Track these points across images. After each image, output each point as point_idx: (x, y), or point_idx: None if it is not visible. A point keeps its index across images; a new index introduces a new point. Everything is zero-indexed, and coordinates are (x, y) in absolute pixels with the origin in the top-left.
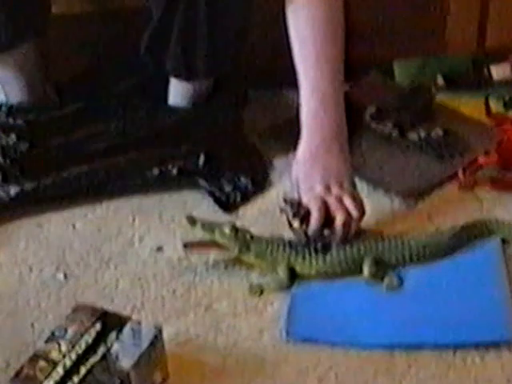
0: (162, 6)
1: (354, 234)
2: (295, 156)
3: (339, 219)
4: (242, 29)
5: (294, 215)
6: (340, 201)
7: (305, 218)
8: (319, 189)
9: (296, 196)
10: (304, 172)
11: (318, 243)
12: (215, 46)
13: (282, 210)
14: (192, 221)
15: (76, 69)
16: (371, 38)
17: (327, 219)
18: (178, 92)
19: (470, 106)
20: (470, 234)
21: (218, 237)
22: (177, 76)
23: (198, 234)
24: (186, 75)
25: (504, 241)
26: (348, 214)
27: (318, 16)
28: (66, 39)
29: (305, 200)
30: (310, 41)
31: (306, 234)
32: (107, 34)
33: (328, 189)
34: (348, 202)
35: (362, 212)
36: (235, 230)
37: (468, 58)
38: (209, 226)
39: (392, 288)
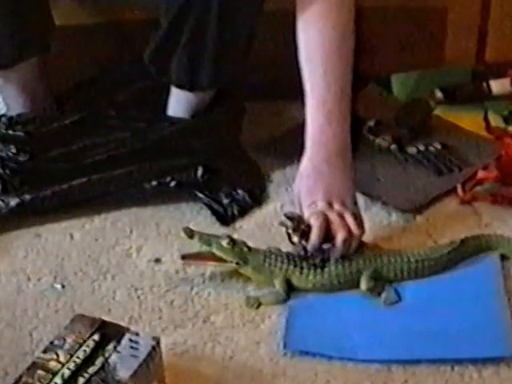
0: (172, 15)
1: (353, 251)
2: (298, 169)
3: (340, 237)
4: (248, 40)
5: (294, 230)
6: (341, 218)
7: (305, 233)
8: (321, 204)
9: (297, 210)
10: (307, 186)
11: (317, 258)
12: (222, 58)
13: (282, 224)
14: (189, 233)
15: (75, 80)
16: (370, 51)
17: (327, 235)
18: (178, 103)
19: (468, 120)
20: (469, 249)
21: (215, 249)
22: (180, 86)
23: (196, 246)
24: (190, 85)
25: (503, 256)
26: (349, 231)
27: (328, 32)
28: (65, 51)
29: (306, 215)
30: (319, 56)
31: (305, 248)
32: (106, 45)
33: (330, 205)
34: (349, 220)
35: (362, 230)
36: (232, 242)
37: (467, 71)
38: (206, 239)
39: (390, 302)
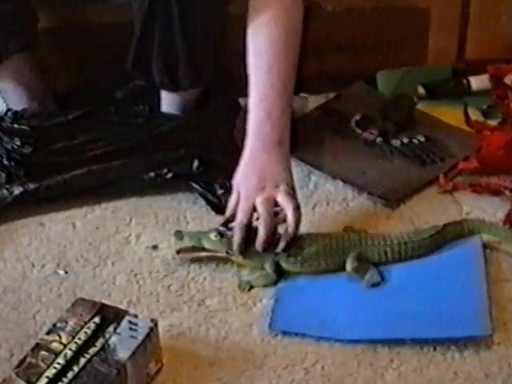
0: (141, 21)
1: (296, 225)
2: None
3: (261, 228)
4: (218, 40)
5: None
6: (271, 202)
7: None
8: (254, 189)
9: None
10: (243, 172)
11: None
12: (194, 59)
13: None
14: (179, 236)
15: (74, 79)
16: (357, 50)
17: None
18: (168, 102)
19: (449, 114)
20: (451, 233)
21: (205, 244)
22: (164, 88)
23: (187, 244)
24: (172, 87)
25: (484, 245)
26: (275, 214)
27: (278, 33)
28: (64, 50)
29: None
30: (266, 54)
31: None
32: (103, 45)
33: (263, 189)
34: (282, 200)
35: (297, 208)
36: (220, 235)
37: (448, 68)
38: (195, 236)
39: (373, 284)
